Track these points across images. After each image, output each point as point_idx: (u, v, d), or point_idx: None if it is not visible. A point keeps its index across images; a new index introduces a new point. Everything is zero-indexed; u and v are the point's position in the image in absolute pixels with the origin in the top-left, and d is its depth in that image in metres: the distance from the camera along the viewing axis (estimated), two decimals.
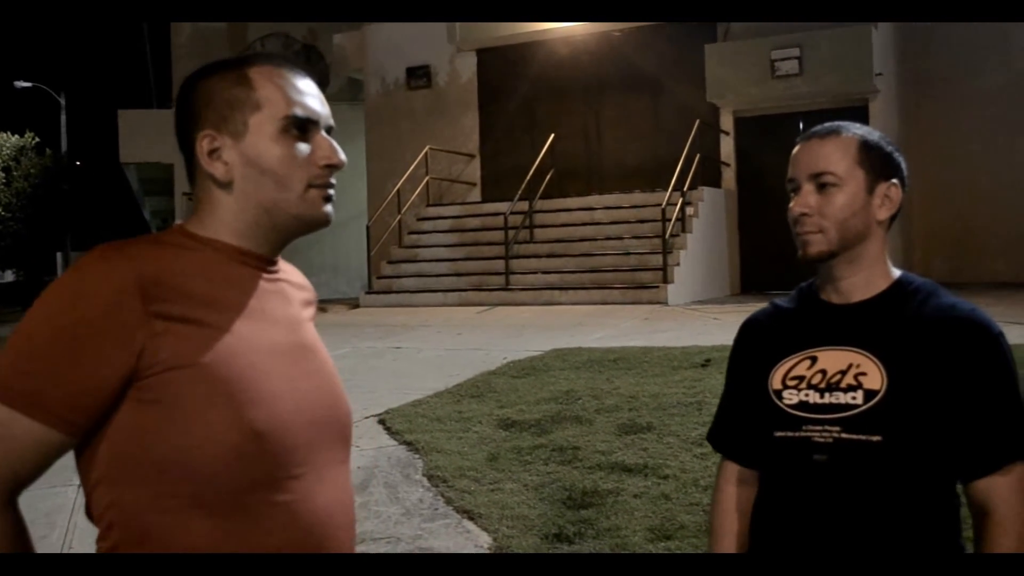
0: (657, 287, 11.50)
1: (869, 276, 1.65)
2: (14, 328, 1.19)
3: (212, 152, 1.30)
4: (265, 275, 1.34)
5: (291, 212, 1.31)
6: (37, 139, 37.25)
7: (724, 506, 1.79)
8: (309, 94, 1.33)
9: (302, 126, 1.31)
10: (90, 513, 1.24)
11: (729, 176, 14.19)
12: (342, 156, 1.33)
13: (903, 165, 1.69)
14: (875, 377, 1.57)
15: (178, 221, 1.34)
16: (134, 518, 1.19)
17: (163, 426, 1.17)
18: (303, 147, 1.31)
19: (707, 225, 13.11)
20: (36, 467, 1.19)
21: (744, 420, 1.75)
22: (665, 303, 11.27)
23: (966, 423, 1.55)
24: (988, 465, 1.55)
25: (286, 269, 1.41)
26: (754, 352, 1.74)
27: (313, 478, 1.28)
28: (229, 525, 1.20)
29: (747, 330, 1.81)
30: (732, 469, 1.81)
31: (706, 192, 13.22)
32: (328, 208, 1.33)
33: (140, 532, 1.19)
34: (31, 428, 1.15)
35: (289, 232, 1.34)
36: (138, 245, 1.24)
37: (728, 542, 1.76)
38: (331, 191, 1.34)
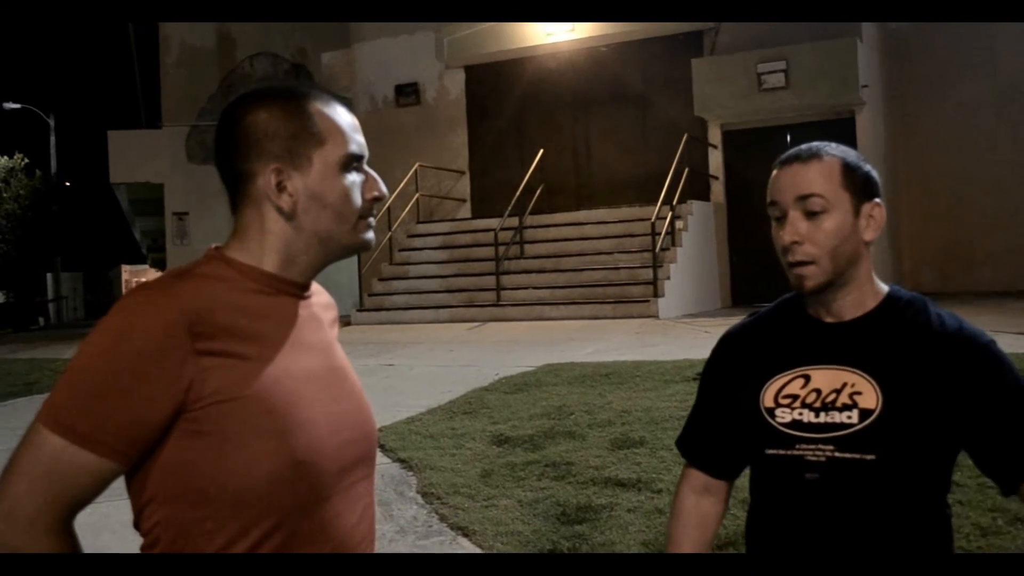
0: (648, 301, 11.52)
1: (860, 295, 1.65)
2: (67, 366, 1.26)
3: (278, 184, 1.34)
4: (300, 302, 1.40)
5: (343, 243, 1.39)
6: (26, 160, 37.26)
7: (683, 516, 1.80)
8: (359, 129, 1.41)
9: (358, 161, 1.39)
10: (138, 526, 1.30)
11: (718, 189, 14.26)
12: (384, 189, 1.42)
13: (879, 182, 1.69)
14: (870, 396, 1.57)
15: (214, 245, 1.38)
16: (179, 536, 1.26)
17: (209, 455, 1.24)
18: (358, 181, 1.39)
19: (696, 238, 13.15)
20: (91, 493, 1.25)
21: (716, 431, 1.76)
22: (656, 317, 11.29)
23: (995, 432, 1.55)
24: None
25: (314, 290, 1.46)
26: (736, 366, 1.74)
27: (342, 497, 1.36)
28: (265, 547, 1.27)
29: (727, 343, 1.80)
30: (696, 477, 1.81)
31: (695, 206, 13.27)
32: (371, 235, 1.41)
33: (182, 550, 1.26)
34: (87, 459, 1.22)
35: (333, 259, 1.41)
36: (180, 282, 1.29)
37: (685, 549, 1.77)
38: (373, 220, 1.42)
